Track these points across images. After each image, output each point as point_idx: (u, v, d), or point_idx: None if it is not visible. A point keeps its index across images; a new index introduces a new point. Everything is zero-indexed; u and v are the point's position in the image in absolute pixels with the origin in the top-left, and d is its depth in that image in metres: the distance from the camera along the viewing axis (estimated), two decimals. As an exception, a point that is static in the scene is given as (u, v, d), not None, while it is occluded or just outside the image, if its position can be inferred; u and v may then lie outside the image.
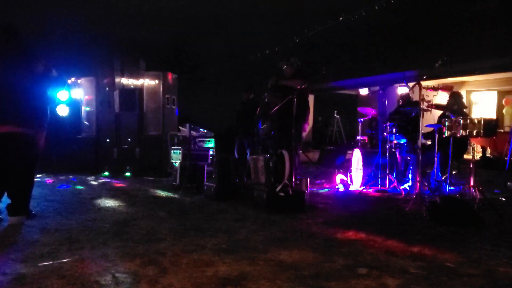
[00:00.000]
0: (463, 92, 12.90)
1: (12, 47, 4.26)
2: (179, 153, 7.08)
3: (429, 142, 6.25)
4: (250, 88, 7.79)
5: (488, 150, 10.72)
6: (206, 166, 6.77)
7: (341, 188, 6.86)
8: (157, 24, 12.80)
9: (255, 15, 12.26)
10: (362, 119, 7.84)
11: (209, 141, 7.90)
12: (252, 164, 5.86)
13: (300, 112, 5.81)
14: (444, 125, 5.26)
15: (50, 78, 4.46)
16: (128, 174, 8.67)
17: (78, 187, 6.99)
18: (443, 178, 5.79)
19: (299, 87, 5.58)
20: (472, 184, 5.23)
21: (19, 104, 4.18)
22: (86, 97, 9.35)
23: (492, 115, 13.29)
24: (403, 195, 5.97)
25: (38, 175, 8.16)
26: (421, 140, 5.45)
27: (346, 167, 8.02)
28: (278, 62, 6.61)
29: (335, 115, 15.72)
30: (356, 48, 14.32)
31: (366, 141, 7.94)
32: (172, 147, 7.75)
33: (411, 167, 6.40)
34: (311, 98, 17.25)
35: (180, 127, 9.30)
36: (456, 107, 6.42)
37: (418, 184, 5.36)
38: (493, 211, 4.78)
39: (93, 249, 3.37)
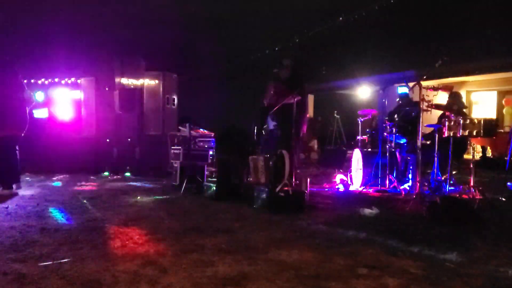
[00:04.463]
0: (463, 92, 12.90)
1: (7, 74, 5.75)
2: (179, 153, 7.08)
3: (428, 142, 6.24)
4: None
5: (488, 150, 10.72)
6: (206, 166, 6.77)
7: (341, 188, 6.86)
8: (157, 24, 12.81)
9: (255, 15, 12.27)
10: (362, 119, 7.83)
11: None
12: (252, 164, 5.86)
13: (299, 113, 5.81)
14: (444, 125, 5.26)
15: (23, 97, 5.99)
16: (128, 174, 8.66)
17: (78, 187, 6.99)
18: (443, 178, 5.79)
19: (299, 97, 5.65)
20: (472, 184, 5.23)
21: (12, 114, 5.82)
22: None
23: (492, 115, 13.29)
24: (403, 195, 5.96)
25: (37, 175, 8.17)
26: (421, 140, 5.45)
27: (346, 167, 8.01)
28: (273, 68, 6.51)
29: (335, 115, 15.70)
30: (356, 48, 14.32)
31: (366, 141, 7.91)
32: (172, 147, 7.74)
33: (411, 167, 6.40)
34: (311, 98, 17.26)
35: (180, 127, 9.29)
36: (456, 107, 6.41)
37: (418, 184, 5.36)
38: (493, 211, 4.78)
39: (93, 249, 3.36)
